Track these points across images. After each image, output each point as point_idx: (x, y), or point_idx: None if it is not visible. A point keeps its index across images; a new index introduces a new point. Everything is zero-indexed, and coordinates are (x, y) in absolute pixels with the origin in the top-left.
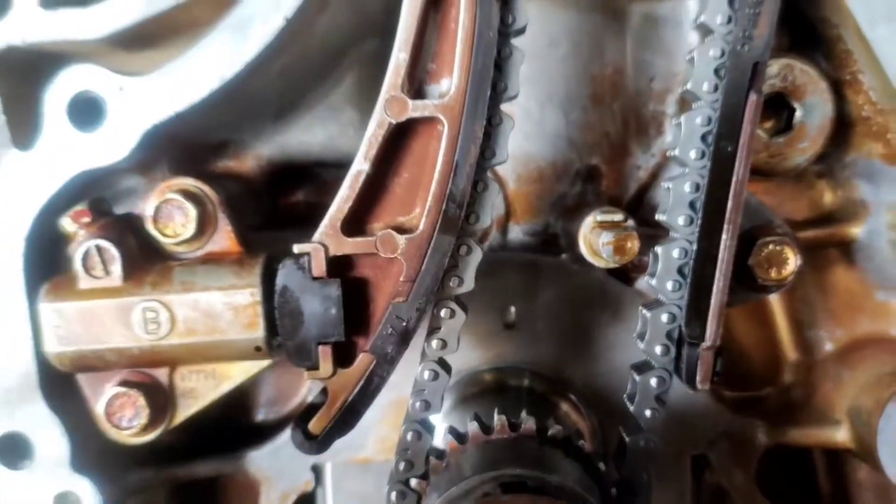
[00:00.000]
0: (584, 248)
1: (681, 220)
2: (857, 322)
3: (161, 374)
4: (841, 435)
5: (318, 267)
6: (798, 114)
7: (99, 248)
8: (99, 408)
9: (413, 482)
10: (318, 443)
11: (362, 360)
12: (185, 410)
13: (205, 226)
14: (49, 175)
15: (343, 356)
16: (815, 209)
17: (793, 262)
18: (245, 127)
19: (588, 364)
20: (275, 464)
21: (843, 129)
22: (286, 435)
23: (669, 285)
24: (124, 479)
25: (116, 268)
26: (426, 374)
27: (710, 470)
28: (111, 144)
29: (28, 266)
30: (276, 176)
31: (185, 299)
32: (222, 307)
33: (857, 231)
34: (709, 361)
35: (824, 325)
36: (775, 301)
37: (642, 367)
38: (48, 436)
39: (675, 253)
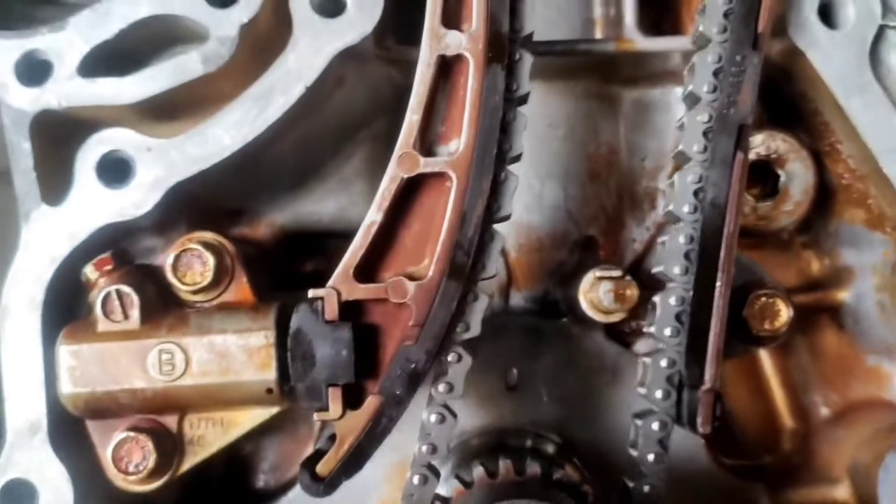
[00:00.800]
0: (584, 304)
1: (677, 270)
2: (850, 386)
3: (170, 420)
4: (842, 492)
5: (331, 311)
6: (782, 179)
7: (119, 293)
8: (107, 452)
9: None
10: (325, 485)
11: (371, 402)
12: (192, 458)
13: (222, 275)
14: (75, 228)
15: (352, 398)
16: (803, 277)
17: (785, 314)
18: (261, 195)
19: (588, 424)
20: None
21: (825, 196)
22: (287, 497)
23: (668, 331)
24: None
25: (135, 312)
26: (433, 418)
27: None
28: (137, 200)
29: (46, 313)
30: (287, 243)
31: (201, 341)
32: (236, 349)
33: (844, 296)
34: (709, 404)
35: (819, 390)
36: (770, 368)
37: (644, 414)
38: (53, 482)
39: (673, 300)
